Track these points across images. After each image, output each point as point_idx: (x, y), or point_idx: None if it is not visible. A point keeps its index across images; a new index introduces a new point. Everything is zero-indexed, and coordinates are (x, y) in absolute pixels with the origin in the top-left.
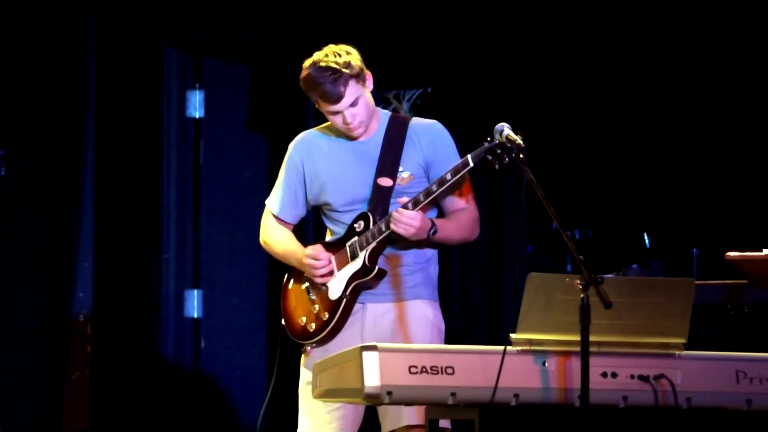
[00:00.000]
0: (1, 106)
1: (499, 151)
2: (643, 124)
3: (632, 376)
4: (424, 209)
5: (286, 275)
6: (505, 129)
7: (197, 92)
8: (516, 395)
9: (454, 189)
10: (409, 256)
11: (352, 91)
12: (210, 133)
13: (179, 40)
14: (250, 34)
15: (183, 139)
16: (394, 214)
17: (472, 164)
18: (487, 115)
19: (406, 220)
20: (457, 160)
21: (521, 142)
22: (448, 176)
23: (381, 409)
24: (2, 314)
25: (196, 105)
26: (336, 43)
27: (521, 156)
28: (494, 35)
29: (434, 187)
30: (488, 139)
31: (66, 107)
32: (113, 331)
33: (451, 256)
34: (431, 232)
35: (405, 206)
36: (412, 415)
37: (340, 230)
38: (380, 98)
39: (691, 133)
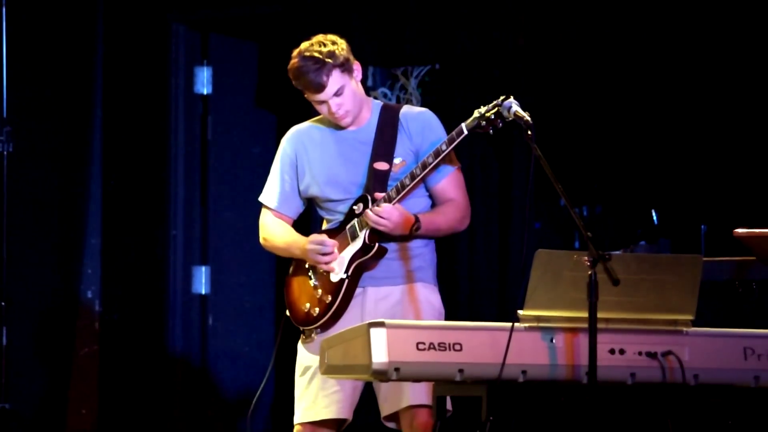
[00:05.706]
0: (8, 82)
1: (492, 117)
2: (652, 101)
3: (640, 353)
4: (415, 200)
5: (290, 267)
6: (513, 105)
7: (205, 68)
8: (524, 372)
9: (446, 180)
10: (410, 240)
11: (335, 80)
12: (218, 109)
13: (187, 15)
14: (258, 10)
15: (191, 116)
16: (369, 211)
17: (466, 131)
18: (495, 92)
19: (385, 214)
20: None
21: (529, 119)
22: (443, 147)
23: (381, 393)
24: (11, 290)
25: (203, 81)
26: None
27: (529, 133)
28: (503, 11)
29: (430, 159)
30: (480, 107)
31: (73, 84)
32: (121, 308)
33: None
34: (414, 228)
35: (383, 200)
36: (414, 395)
37: (337, 219)
38: (388, 75)
39: (700, 110)
